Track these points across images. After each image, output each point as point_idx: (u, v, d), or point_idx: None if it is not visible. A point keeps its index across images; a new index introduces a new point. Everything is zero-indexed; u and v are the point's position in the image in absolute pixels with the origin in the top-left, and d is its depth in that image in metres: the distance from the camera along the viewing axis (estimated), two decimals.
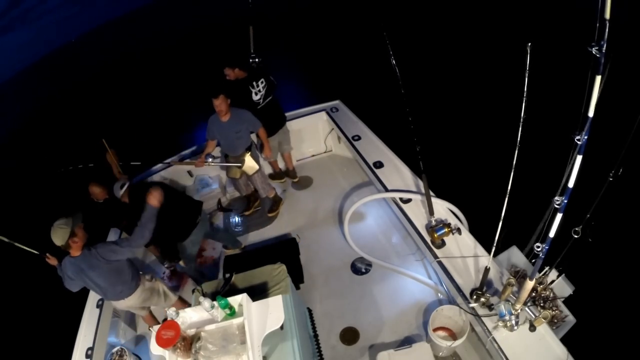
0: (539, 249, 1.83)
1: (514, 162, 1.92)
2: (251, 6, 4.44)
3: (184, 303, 3.54)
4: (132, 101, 13.58)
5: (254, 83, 4.04)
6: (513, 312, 2.21)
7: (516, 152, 1.88)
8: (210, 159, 4.12)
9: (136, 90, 14.56)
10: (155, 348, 2.01)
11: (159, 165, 4.73)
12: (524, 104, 1.77)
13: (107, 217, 3.65)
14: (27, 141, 14.57)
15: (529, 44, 1.56)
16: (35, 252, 3.14)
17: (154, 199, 2.89)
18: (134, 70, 17.67)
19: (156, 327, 2.01)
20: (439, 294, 3.21)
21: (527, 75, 1.69)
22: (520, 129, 1.83)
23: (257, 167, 4.10)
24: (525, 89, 1.72)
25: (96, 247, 2.82)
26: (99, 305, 3.40)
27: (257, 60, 4.37)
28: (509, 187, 2.02)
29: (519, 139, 1.86)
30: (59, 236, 2.69)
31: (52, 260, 3.07)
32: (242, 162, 4.02)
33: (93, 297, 3.52)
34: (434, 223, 2.99)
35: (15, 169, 11.87)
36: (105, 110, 13.63)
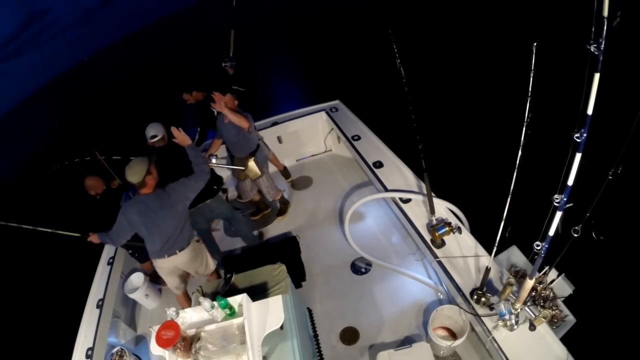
0: (538, 247, 1.83)
1: (517, 163, 1.91)
2: (234, 5, 4.44)
3: (219, 276, 3.59)
4: (143, 107, 13.71)
5: (212, 102, 3.93)
6: (513, 311, 2.20)
7: (519, 153, 1.88)
8: (214, 159, 3.96)
9: (147, 97, 14.69)
10: (155, 348, 2.01)
11: None
12: (528, 105, 1.76)
13: (105, 211, 3.64)
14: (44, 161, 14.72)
15: (535, 44, 1.55)
16: (77, 234, 3.22)
17: (183, 138, 3.03)
18: (146, 81, 17.86)
19: (156, 327, 2.01)
20: (439, 294, 3.21)
21: (532, 75, 1.68)
22: (524, 129, 1.82)
23: (259, 173, 4.07)
24: (530, 90, 1.71)
25: (168, 185, 2.91)
26: (99, 306, 3.40)
27: (229, 64, 4.35)
28: (512, 187, 2.02)
29: (522, 140, 1.85)
30: (136, 172, 2.75)
31: (94, 238, 3.14)
32: (246, 166, 4.00)
33: (93, 297, 3.53)
34: (434, 222, 2.99)
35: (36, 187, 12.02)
36: (117, 119, 13.78)
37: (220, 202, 3.75)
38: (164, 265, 3.13)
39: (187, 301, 3.46)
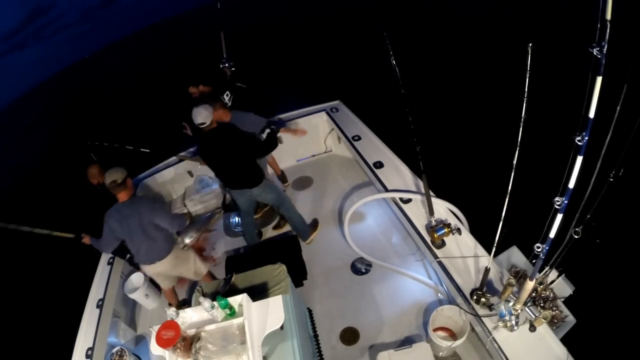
0: (539, 249, 1.83)
1: (515, 163, 1.92)
2: (219, 7, 4.54)
3: (213, 278, 3.62)
4: (145, 104, 13.71)
5: (219, 97, 4.04)
6: (513, 312, 2.21)
7: (517, 152, 1.88)
8: None
9: (148, 95, 14.68)
10: (155, 348, 2.01)
11: (166, 162, 4.82)
12: (524, 105, 1.76)
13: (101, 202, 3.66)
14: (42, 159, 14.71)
15: (530, 45, 1.56)
16: (71, 235, 3.31)
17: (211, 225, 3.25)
18: (147, 79, 17.85)
19: (156, 327, 2.01)
20: (439, 294, 3.21)
21: (527, 75, 1.69)
22: (520, 129, 1.83)
23: None
24: (526, 90, 1.72)
25: (142, 198, 3.13)
26: (99, 306, 3.40)
27: (227, 65, 4.42)
28: (510, 188, 2.02)
29: (519, 140, 1.86)
30: (117, 172, 2.94)
31: (87, 239, 3.25)
32: None
33: (93, 297, 3.52)
34: (434, 223, 2.99)
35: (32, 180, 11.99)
36: (118, 116, 13.79)
37: (265, 189, 3.67)
38: (147, 270, 3.31)
39: (174, 297, 3.65)
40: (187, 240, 3.94)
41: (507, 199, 2.06)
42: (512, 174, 1.98)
